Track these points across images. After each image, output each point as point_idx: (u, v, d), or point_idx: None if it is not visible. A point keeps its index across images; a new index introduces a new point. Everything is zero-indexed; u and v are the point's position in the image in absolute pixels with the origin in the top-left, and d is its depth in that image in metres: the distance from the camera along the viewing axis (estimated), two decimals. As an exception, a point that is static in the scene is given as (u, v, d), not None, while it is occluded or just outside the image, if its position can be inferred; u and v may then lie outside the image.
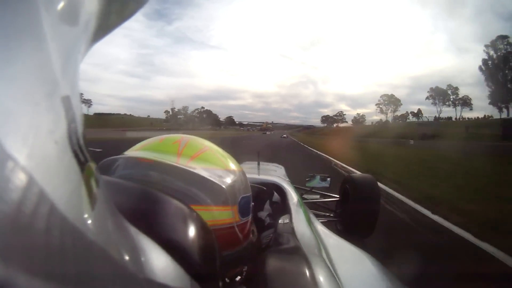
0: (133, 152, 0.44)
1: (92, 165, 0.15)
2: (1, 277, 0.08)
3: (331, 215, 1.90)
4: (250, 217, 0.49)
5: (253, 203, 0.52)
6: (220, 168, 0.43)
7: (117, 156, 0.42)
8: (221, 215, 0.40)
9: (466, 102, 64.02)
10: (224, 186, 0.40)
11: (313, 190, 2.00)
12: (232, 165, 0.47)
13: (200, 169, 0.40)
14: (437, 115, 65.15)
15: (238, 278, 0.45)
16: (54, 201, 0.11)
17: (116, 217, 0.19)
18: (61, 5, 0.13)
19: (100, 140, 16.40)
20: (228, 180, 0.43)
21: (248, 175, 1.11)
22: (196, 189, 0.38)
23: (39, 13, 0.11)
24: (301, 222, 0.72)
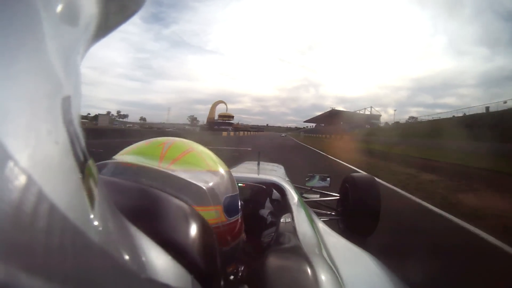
0: (119, 156, 0.45)
1: (92, 165, 0.15)
2: (1, 277, 0.08)
3: (333, 213, 1.90)
4: (239, 216, 0.48)
5: (242, 202, 0.52)
6: (202, 169, 0.44)
7: (103, 162, 0.42)
8: (205, 215, 0.40)
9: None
10: (204, 187, 0.41)
11: (313, 189, 2.00)
12: (216, 165, 0.47)
13: (180, 171, 0.41)
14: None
15: (232, 277, 0.45)
16: (55, 201, 0.11)
17: (117, 217, 0.19)
18: (60, 5, 0.13)
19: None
20: (210, 180, 0.43)
21: (247, 175, 1.12)
22: (177, 191, 0.38)
23: (38, 14, 0.11)
24: (302, 221, 0.73)
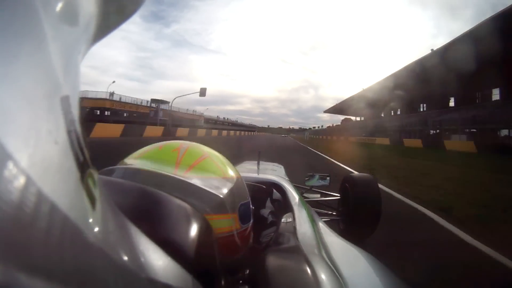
0: (132, 161, 0.44)
1: (92, 165, 0.15)
2: (1, 277, 0.08)
3: (334, 213, 1.90)
4: (250, 224, 0.49)
5: (253, 207, 0.52)
6: (218, 177, 0.44)
7: (115, 166, 0.42)
8: (221, 223, 0.41)
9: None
10: (221, 196, 0.41)
11: (312, 189, 2.00)
12: (231, 172, 0.47)
13: (196, 179, 0.41)
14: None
15: (241, 282, 0.45)
16: (56, 201, 0.11)
17: (118, 217, 0.19)
18: (59, 5, 0.13)
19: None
20: (226, 188, 0.43)
21: (247, 174, 1.12)
22: (193, 199, 0.38)
23: (38, 13, 0.11)
24: (303, 221, 0.72)
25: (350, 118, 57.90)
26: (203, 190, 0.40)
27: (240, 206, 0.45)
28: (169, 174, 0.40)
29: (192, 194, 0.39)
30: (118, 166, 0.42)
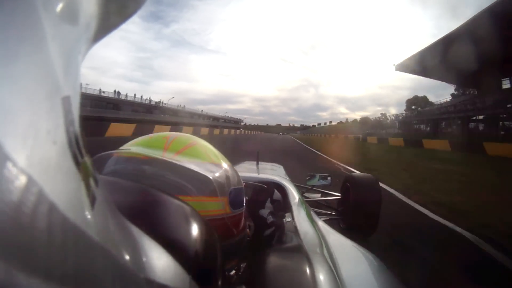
0: (125, 147, 0.46)
1: (91, 165, 0.15)
2: (1, 277, 0.08)
3: (333, 213, 1.91)
4: (243, 210, 0.49)
5: (246, 197, 0.53)
6: (207, 162, 0.44)
7: (108, 152, 0.43)
8: (210, 205, 0.41)
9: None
10: (210, 177, 0.41)
11: (313, 188, 2.01)
12: (220, 159, 0.48)
13: (185, 162, 0.41)
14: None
15: (233, 272, 0.45)
16: (55, 201, 0.11)
17: (116, 217, 0.19)
18: (59, 5, 0.13)
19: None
20: (215, 172, 0.43)
21: (248, 174, 1.13)
22: (182, 180, 0.39)
23: (38, 13, 0.11)
24: (303, 220, 0.73)
25: (424, 97, 35.74)
26: (190, 171, 0.40)
27: (231, 190, 0.45)
28: (158, 157, 0.41)
29: (181, 175, 0.39)
30: (111, 152, 0.43)
